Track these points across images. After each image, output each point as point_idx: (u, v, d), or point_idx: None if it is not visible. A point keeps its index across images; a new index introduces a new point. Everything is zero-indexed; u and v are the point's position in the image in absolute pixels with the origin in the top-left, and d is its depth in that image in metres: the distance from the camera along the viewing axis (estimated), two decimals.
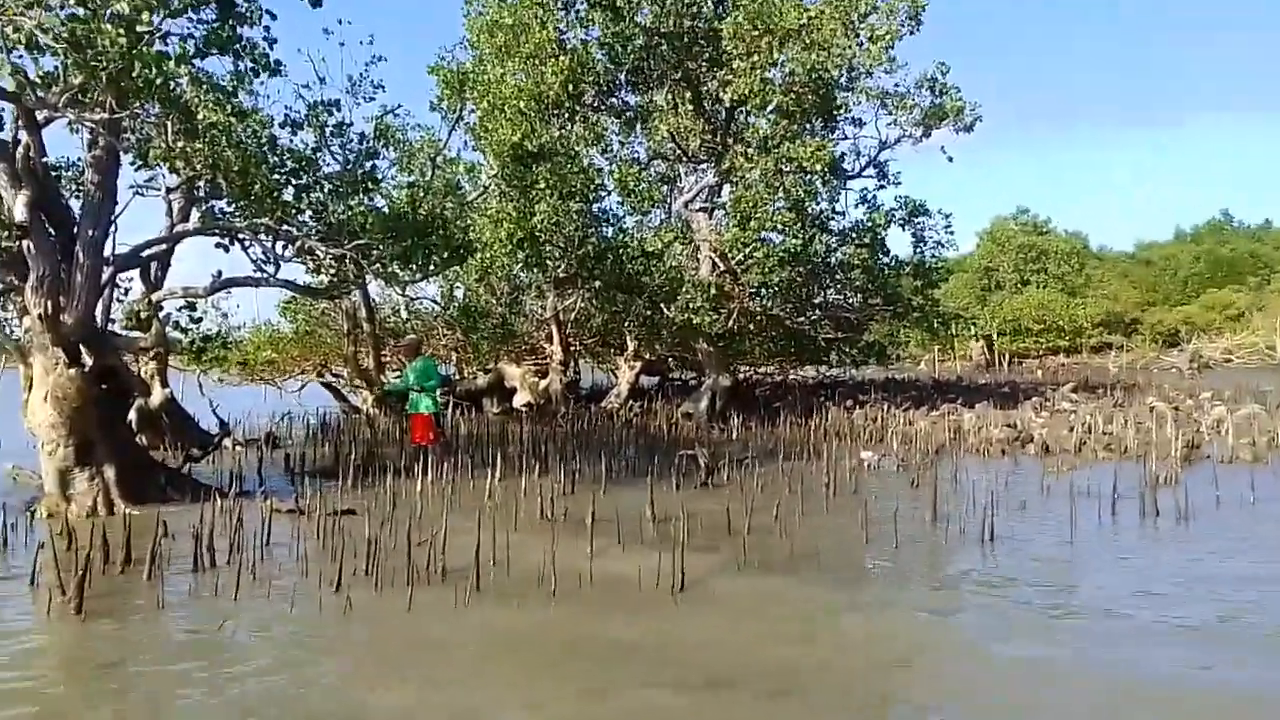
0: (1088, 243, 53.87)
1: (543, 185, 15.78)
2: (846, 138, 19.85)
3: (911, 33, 17.83)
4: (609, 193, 18.51)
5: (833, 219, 19.29)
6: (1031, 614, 5.88)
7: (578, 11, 17.77)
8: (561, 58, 16.51)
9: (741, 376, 22.18)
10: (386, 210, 12.48)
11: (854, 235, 18.84)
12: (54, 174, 10.48)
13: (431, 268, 12.79)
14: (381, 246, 11.22)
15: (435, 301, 22.01)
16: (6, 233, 9.47)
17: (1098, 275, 49.13)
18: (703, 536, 7.81)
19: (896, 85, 18.80)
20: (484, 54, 17.74)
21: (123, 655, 5.29)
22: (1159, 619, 5.69)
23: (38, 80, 8.28)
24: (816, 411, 17.40)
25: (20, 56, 8.14)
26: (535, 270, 17.66)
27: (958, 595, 6.41)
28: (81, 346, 9.47)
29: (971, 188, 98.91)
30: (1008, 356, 43.15)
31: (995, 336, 43.43)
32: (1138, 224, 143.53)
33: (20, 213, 8.82)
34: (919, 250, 19.77)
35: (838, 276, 19.24)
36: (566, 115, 17.72)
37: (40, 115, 9.21)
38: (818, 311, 19.68)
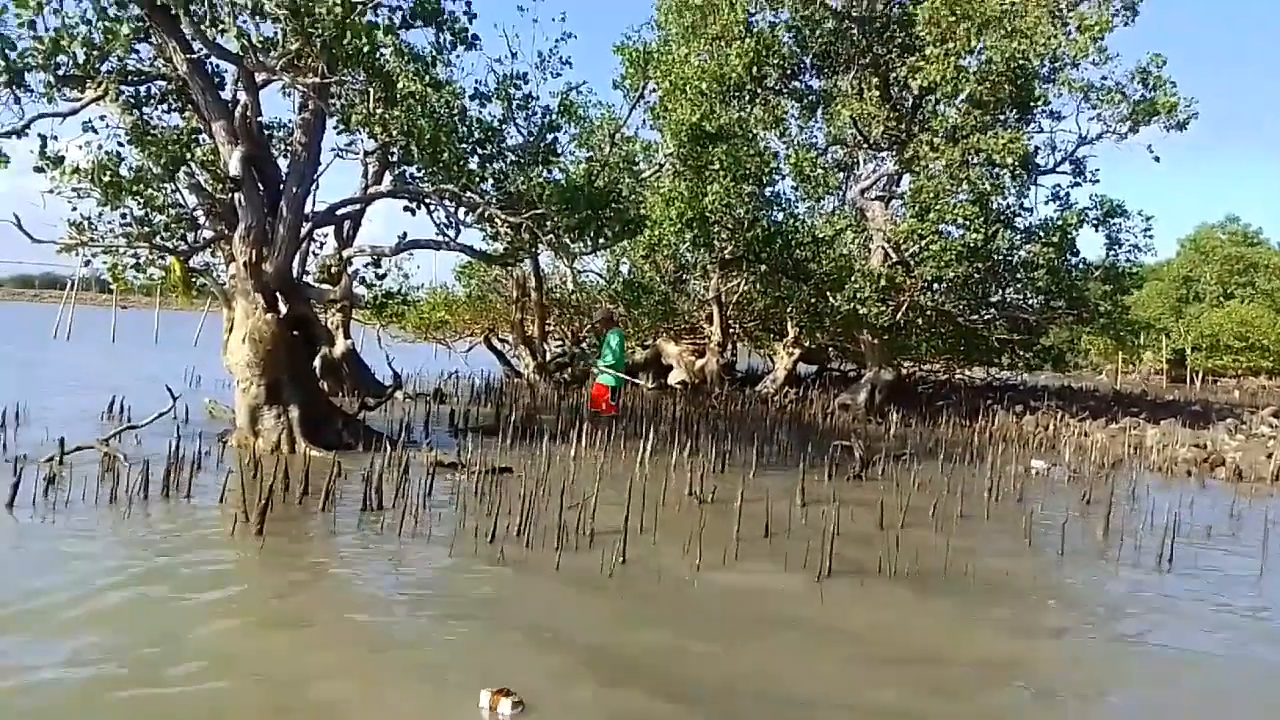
0: None
1: (717, 166, 15.78)
2: (1042, 131, 18.79)
3: (1126, 23, 16.67)
4: (783, 177, 18.31)
5: (1019, 215, 18.34)
6: (1207, 648, 5.44)
7: None
8: (747, 39, 16.40)
9: (904, 372, 21.50)
10: (564, 183, 12.80)
11: (1041, 233, 17.81)
12: (266, 133, 11.29)
13: (603, 241, 13.04)
14: (557, 217, 11.52)
15: (600, 275, 22.48)
16: (220, 185, 10.33)
17: None
18: (853, 529, 7.65)
19: (1104, 78, 17.59)
20: (670, 34, 17.86)
21: (296, 568, 5.75)
22: None
23: (258, 44, 8.96)
24: (983, 414, 16.70)
25: (244, 22, 8.84)
26: (702, 250, 17.73)
27: (1119, 617, 6.01)
28: (278, 294, 10.23)
29: (1177, 191, 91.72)
30: (1200, 373, 39.91)
31: (1189, 351, 40.24)
32: None
33: (235, 167, 9.59)
34: (1112, 253, 18.51)
35: (1019, 275, 18.24)
36: (747, 97, 17.60)
37: (259, 78, 9.95)
38: (993, 310, 18.80)
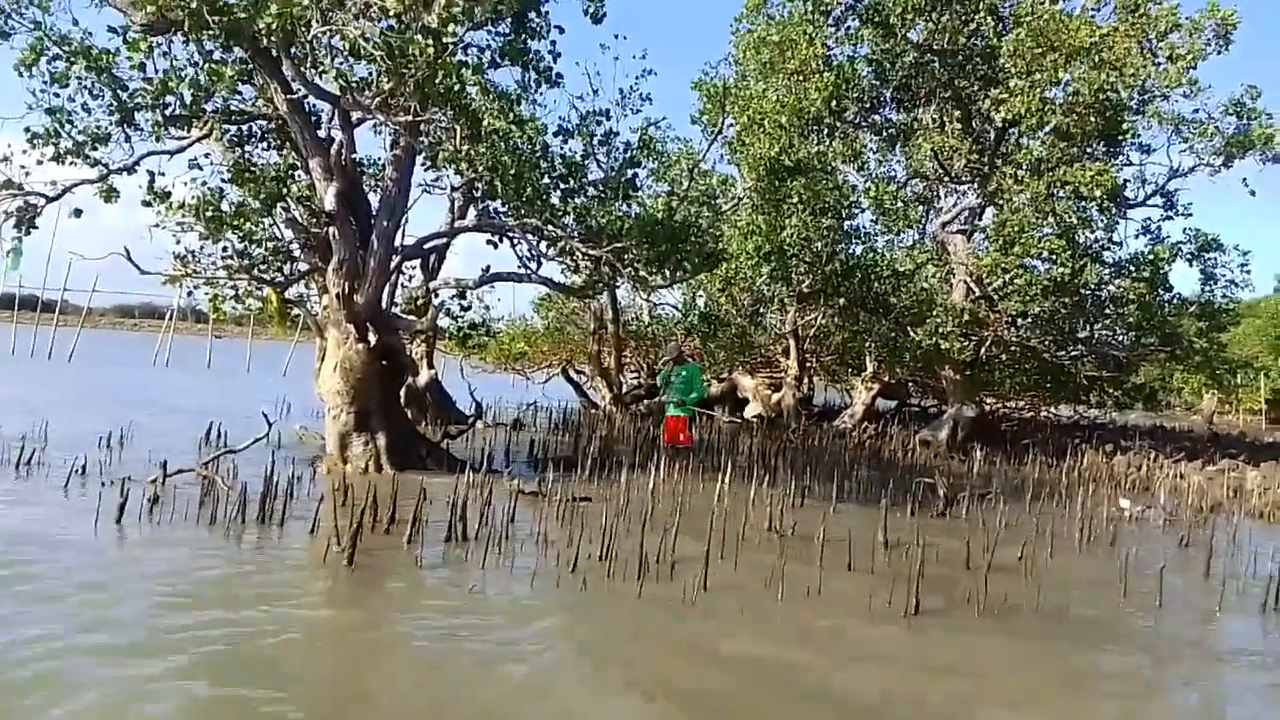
0: None
1: (795, 200, 15.77)
2: (1131, 163, 18.37)
3: (1218, 53, 16.24)
4: (862, 210, 18.19)
5: (1108, 249, 17.86)
6: None
7: (848, 28, 17.61)
8: (826, 74, 16.43)
9: (987, 409, 21.00)
10: (643, 216, 12.93)
11: (1132, 268, 17.32)
12: (358, 170, 11.68)
13: (681, 274, 13.10)
14: (636, 250, 11.63)
15: (676, 308, 22.54)
16: (316, 219, 10.72)
17: None
18: (938, 568, 7.48)
19: (1195, 110, 17.15)
20: (748, 70, 17.99)
21: (384, 601, 5.86)
22: None
23: (354, 85, 9.33)
24: (1070, 453, 16.18)
25: (342, 63, 9.23)
26: (779, 283, 17.66)
27: (1224, 669, 5.75)
28: (369, 325, 10.52)
29: (1275, 224, 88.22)
30: None
31: None
32: None
33: (330, 202, 9.96)
34: (1207, 289, 17.89)
35: (1108, 311, 17.74)
36: (826, 131, 17.59)
37: (354, 117, 10.34)
38: (1081, 347, 18.27)
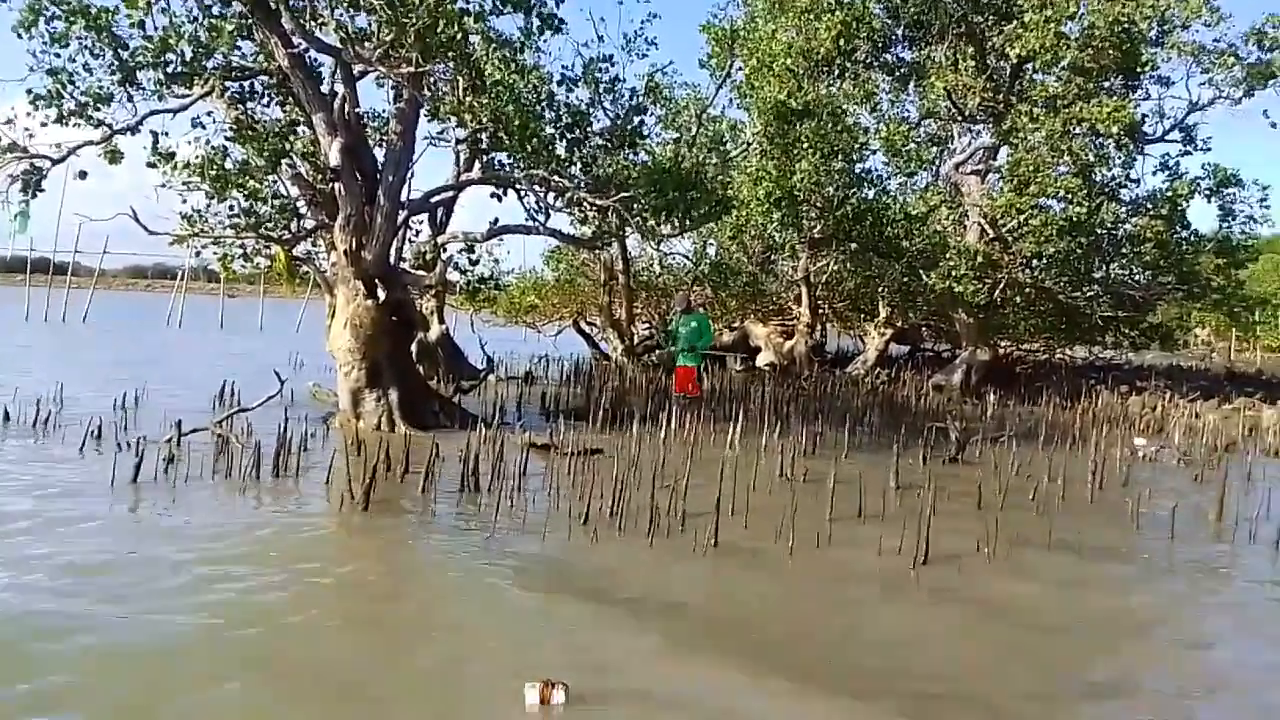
0: None
1: (805, 144, 15.54)
2: (1149, 97, 18.00)
3: None
4: (874, 152, 17.94)
5: (1125, 187, 17.58)
6: None
7: None
8: (836, 12, 16.08)
9: (1001, 352, 20.87)
10: (650, 165, 12.78)
11: (1149, 205, 17.06)
12: (362, 124, 11.57)
13: (689, 222, 12.97)
14: (644, 200, 11.52)
15: (687, 257, 22.39)
16: (321, 175, 10.65)
17: None
18: (950, 512, 7.49)
19: (1216, 40, 16.74)
20: (756, 10, 17.64)
21: (399, 543, 5.96)
22: None
23: (354, 36, 9.20)
24: (1085, 395, 16.11)
25: (341, 14, 9.09)
26: (790, 230, 17.50)
27: (1234, 593, 5.76)
28: (377, 281, 10.51)
29: None
30: None
31: None
32: None
33: (334, 157, 9.88)
34: (1225, 225, 17.64)
35: (1124, 250, 17.52)
36: (836, 72, 17.27)
37: (355, 70, 10.21)
38: (1096, 287, 18.08)
